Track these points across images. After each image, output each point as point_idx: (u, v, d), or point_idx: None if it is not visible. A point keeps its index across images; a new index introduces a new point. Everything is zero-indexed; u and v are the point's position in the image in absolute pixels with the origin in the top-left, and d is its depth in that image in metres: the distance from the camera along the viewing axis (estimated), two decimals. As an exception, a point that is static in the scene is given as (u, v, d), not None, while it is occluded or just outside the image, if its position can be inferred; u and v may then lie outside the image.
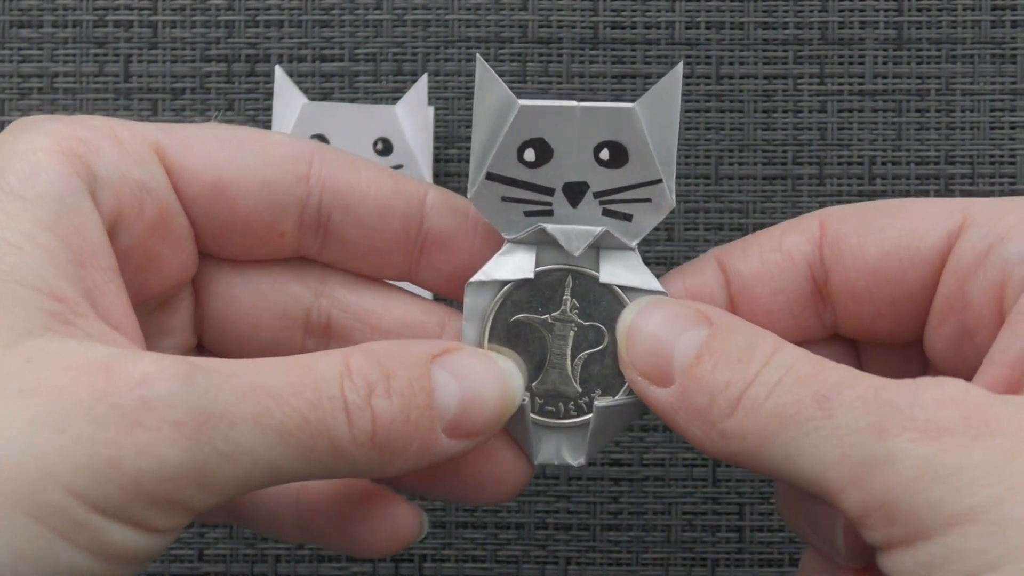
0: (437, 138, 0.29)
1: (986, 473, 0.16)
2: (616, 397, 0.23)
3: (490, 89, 0.22)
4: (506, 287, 0.23)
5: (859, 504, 0.17)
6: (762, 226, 0.29)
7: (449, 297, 0.22)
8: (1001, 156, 0.29)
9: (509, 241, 0.23)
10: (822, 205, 0.29)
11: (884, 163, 0.29)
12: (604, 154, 0.22)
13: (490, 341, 0.23)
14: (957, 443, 0.16)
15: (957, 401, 0.17)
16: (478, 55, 0.24)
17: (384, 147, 0.28)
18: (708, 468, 0.29)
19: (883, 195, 0.29)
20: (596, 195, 0.23)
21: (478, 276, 0.23)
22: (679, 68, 0.21)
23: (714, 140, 0.29)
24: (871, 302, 0.21)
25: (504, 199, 0.23)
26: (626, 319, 0.21)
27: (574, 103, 0.22)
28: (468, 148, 0.29)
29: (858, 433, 0.17)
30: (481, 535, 0.29)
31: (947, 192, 0.29)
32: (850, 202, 0.29)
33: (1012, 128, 0.29)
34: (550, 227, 0.23)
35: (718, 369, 0.19)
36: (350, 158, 0.21)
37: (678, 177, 0.27)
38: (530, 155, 0.23)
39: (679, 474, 0.29)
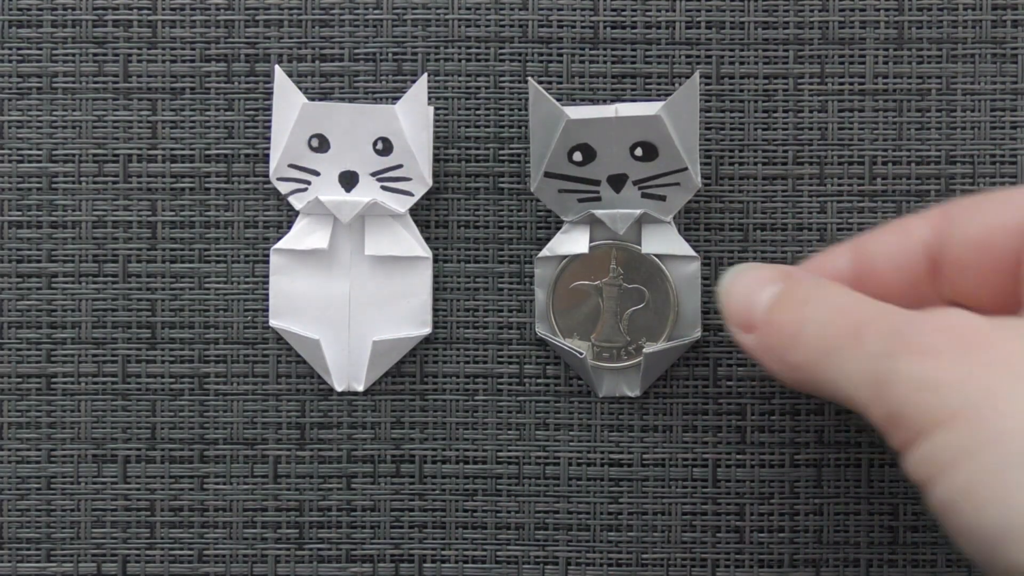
0: (437, 138, 0.29)
1: (964, 383, 0.19)
2: (659, 343, 0.28)
3: (541, 106, 0.26)
4: (565, 260, 0.28)
5: (880, 416, 0.20)
6: (762, 226, 0.29)
7: None
8: (1002, 156, 0.29)
9: (567, 222, 0.28)
10: (823, 205, 0.29)
11: (885, 163, 0.29)
12: (638, 151, 0.27)
13: (554, 303, 0.28)
14: (945, 361, 0.19)
15: (951, 326, 0.20)
16: (531, 80, 0.27)
17: (384, 147, 0.28)
18: (708, 468, 0.29)
19: (884, 195, 0.29)
20: (635, 183, 0.27)
21: (544, 252, 0.28)
22: (696, 77, 0.25)
23: (714, 140, 0.29)
24: (976, 272, 0.24)
25: (560, 191, 0.27)
26: (723, 282, 0.25)
27: (610, 114, 0.26)
28: (468, 148, 0.29)
29: (877, 358, 0.20)
30: (481, 535, 0.29)
31: (947, 192, 0.29)
32: (851, 201, 0.29)
33: (1013, 128, 0.29)
34: (598, 212, 0.28)
35: (784, 313, 0.23)
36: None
37: (678, 177, 0.28)
38: (578, 156, 0.27)
39: (679, 474, 0.29)
